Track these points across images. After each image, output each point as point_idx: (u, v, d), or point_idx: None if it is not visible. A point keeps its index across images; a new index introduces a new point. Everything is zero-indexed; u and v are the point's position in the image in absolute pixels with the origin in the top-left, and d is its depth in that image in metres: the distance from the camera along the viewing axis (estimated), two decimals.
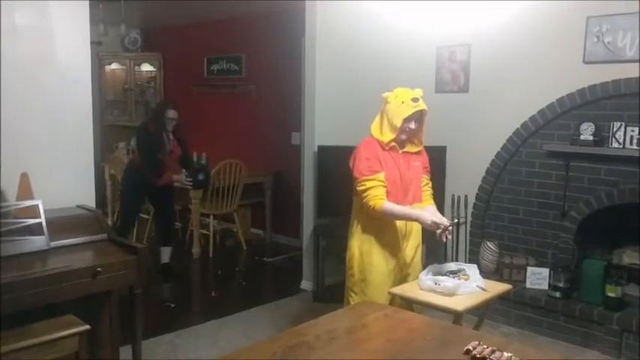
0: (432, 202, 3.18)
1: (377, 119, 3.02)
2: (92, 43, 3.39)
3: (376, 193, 2.88)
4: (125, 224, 5.12)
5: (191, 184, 5.24)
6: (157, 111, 5.14)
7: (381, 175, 2.91)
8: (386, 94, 2.98)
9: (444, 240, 2.95)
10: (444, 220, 2.92)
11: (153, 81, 7.84)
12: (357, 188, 2.95)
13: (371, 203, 2.88)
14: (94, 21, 3.64)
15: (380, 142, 2.96)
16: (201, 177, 5.29)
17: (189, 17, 6.91)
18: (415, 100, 2.91)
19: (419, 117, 2.95)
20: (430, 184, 3.21)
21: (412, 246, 3.11)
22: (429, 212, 2.96)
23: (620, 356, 3.68)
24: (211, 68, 7.15)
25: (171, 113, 4.95)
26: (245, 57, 6.74)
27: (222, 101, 7.08)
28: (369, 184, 2.90)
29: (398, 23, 4.88)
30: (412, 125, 2.94)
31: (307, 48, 4.75)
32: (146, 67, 7.85)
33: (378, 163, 2.93)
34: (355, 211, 3.10)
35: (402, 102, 2.90)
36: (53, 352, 2.43)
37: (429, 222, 2.87)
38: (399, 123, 2.89)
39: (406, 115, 2.88)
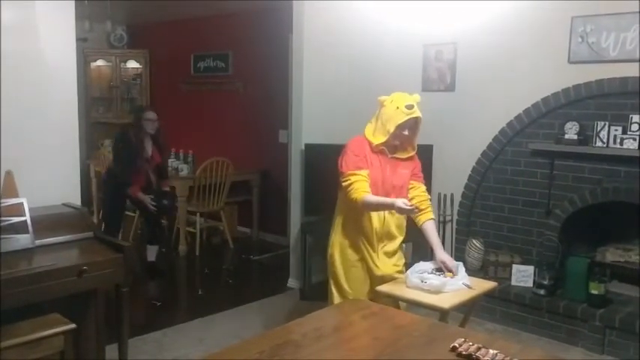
0: (431, 215, 3.12)
1: (372, 121, 3.03)
2: (78, 39, 3.38)
3: (359, 186, 2.89)
4: (109, 232, 5.01)
5: (155, 209, 5.01)
6: (135, 114, 5.08)
7: (365, 172, 2.92)
8: (382, 98, 2.98)
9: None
10: (413, 206, 2.87)
11: (139, 78, 7.79)
12: (342, 182, 2.96)
13: (354, 196, 2.89)
14: (79, 17, 3.62)
15: (370, 143, 2.97)
16: (165, 202, 5.09)
17: (176, 14, 6.86)
18: (409, 107, 2.88)
19: (413, 124, 2.94)
20: (423, 189, 3.14)
21: (390, 246, 3.09)
22: (400, 199, 2.87)
23: (604, 352, 3.73)
24: (198, 66, 7.11)
25: (150, 114, 4.92)
26: (232, 54, 6.72)
27: (209, 99, 7.05)
28: (353, 178, 2.91)
29: (385, 21, 4.88)
30: (405, 132, 2.93)
31: (294, 46, 4.75)
32: (132, 64, 7.80)
33: (364, 161, 2.94)
34: (338, 207, 3.13)
35: (397, 107, 2.89)
36: (38, 351, 2.42)
37: (400, 207, 2.80)
38: (391, 129, 2.89)
39: (399, 122, 2.87)
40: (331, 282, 3.12)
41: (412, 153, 3.08)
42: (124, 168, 4.84)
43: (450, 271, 2.94)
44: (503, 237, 4.48)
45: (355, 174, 2.91)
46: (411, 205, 2.83)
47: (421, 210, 3.07)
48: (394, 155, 3.02)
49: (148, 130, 4.90)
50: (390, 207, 2.92)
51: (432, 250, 3.09)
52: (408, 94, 2.97)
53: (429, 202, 3.16)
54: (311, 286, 4.63)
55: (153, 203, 4.97)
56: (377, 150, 2.97)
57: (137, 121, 4.94)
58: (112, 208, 5.08)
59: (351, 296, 2.97)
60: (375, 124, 2.99)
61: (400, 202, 2.82)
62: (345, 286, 3.05)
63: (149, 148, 4.97)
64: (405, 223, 3.14)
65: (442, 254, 3.00)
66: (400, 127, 2.89)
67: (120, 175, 4.87)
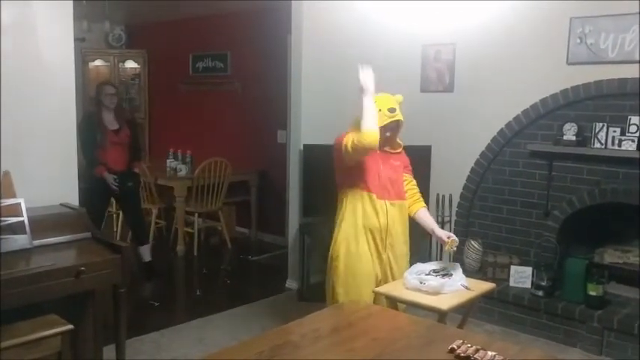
0: (423, 204, 3.26)
1: (356, 120, 3.03)
2: (76, 39, 3.36)
3: (350, 136, 2.90)
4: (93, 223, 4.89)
5: (116, 188, 4.80)
6: (95, 89, 4.96)
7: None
8: None
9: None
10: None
11: (137, 78, 7.79)
12: (345, 145, 2.91)
13: (354, 140, 2.85)
14: (77, 17, 3.60)
15: None
16: (130, 184, 4.92)
17: (175, 14, 6.86)
18: (392, 110, 2.96)
19: (394, 126, 3.03)
20: (414, 183, 3.25)
21: (397, 246, 3.10)
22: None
23: (602, 354, 3.73)
24: (197, 66, 7.11)
25: (109, 88, 4.83)
26: (231, 55, 6.72)
27: (207, 99, 7.04)
28: (352, 135, 2.90)
29: (384, 22, 4.88)
30: (387, 134, 3.01)
31: (293, 46, 4.75)
32: (130, 64, 7.80)
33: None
34: (341, 207, 3.12)
35: (379, 110, 2.93)
36: (36, 352, 2.41)
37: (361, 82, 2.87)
38: None
39: (380, 124, 2.91)
40: (335, 282, 3.10)
41: (399, 148, 3.17)
42: (86, 146, 4.67)
43: (447, 241, 3.02)
44: (502, 238, 4.48)
45: (352, 132, 2.91)
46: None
47: (414, 200, 3.20)
48: (383, 149, 3.07)
49: (106, 103, 4.76)
50: (369, 108, 2.89)
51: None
52: (392, 94, 3.04)
53: (420, 195, 3.26)
54: (309, 287, 4.63)
55: (115, 184, 4.77)
56: None
57: (97, 96, 4.84)
58: (95, 205, 4.67)
59: (357, 296, 2.95)
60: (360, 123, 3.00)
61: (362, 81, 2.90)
62: (352, 287, 3.02)
63: (112, 123, 4.80)
64: (406, 220, 3.16)
65: (440, 231, 3.13)
66: (382, 129, 2.94)
67: (84, 154, 4.67)
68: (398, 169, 3.13)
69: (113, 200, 5.37)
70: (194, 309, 4.43)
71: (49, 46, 3.17)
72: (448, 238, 3.05)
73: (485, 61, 4.44)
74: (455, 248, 3.06)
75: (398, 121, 3.00)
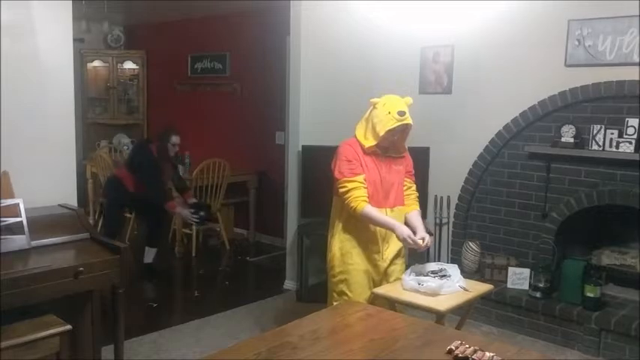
0: (417, 207, 3.19)
1: (362, 122, 3.02)
2: (74, 40, 3.36)
3: (358, 194, 2.89)
4: (109, 236, 4.99)
5: (197, 221, 5.18)
6: (162, 135, 5.11)
7: (362, 177, 2.92)
8: (374, 100, 2.97)
9: (419, 251, 2.99)
10: (418, 242, 2.87)
11: (136, 79, 7.78)
12: (339, 189, 2.96)
13: (353, 205, 2.89)
14: (76, 18, 3.61)
15: (362, 145, 2.97)
16: (202, 213, 5.21)
17: (173, 15, 6.86)
18: (401, 113, 2.87)
19: (403, 129, 2.95)
20: (414, 187, 3.21)
21: (392, 250, 3.10)
22: (406, 229, 2.91)
23: (599, 355, 3.74)
24: (195, 67, 7.11)
25: (175, 139, 5.02)
26: (230, 56, 6.72)
27: (206, 100, 7.04)
28: (350, 185, 2.91)
29: (383, 23, 4.89)
30: (395, 137, 2.95)
31: (292, 47, 4.75)
32: (129, 65, 7.79)
33: (359, 165, 2.94)
34: (335, 211, 3.11)
35: (389, 112, 2.87)
36: (34, 353, 2.41)
37: (403, 237, 2.87)
38: (381, 132, 2.89)
39: (389, 127, 2.87)
40: (332, 286, 3.11)
41: (404, 152, 3.12)
42: (153, 185, 4.89)
43: (422, 236, 2.94)
44: (500, 239, 4.49)
45: (352, 180, 2.91)
46: (415, 243, 2.86)
47: (409, 203, 3.15)
48: (387, 154, 3.03)
49: (171, 154, 5.05)
50: (389, 228, 2.94)
51: (427, 252, 3.09)
52: (400, 96, 2.97)
53: (417, 199, 3.21)
54: (307, 288, 4.63)
55: (195, 216, 5.09)
56: (369, 151, 2.97)
57: (165, 140, 5.01)
58: (114, 214, 5.15)
59: (353, 299, 2.96)
60: (366, 126, 2.98)
61: (405, 232, 2.86)
62: (347, 289, 3.03)
63: (172, 168, 5.20)
64: (403, 222, 3.13)
65: (420, 233, 2.97)
66: (390, 132, 2.89)
67: (150, 192, 4.89)
68: (400, 173, 3.08)
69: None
70: (192, 310, 4.43)
71: (48, 47, 3.16)
72: (422, 240, 2.92)
73: (484, 63, 4.45)
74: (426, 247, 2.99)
75: (407, 124, 2.92)
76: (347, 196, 2.91)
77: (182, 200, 5.36)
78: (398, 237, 2.91)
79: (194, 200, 5.40)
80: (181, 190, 5.42)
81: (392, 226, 2.91)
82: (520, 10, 4.23)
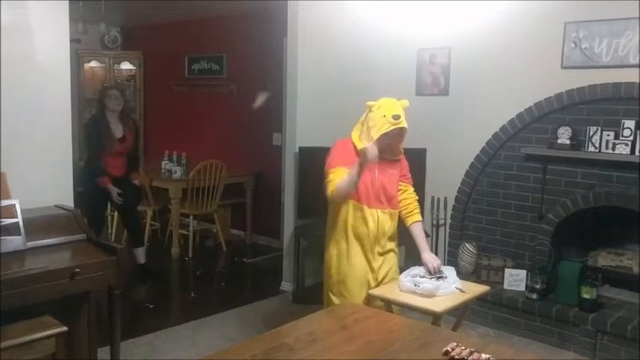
0: (419, 217, 3.14)
1: (358, 125, 3.02)
2: (71, 40, 3.37)
3: (333, 177, 2.90)
4: (92, 227, 4.81)
5: (120, 202, 4.77)
6: (99, 93, 4.91)
7: (343, 168, 2.89)
8: (370, 103, 2.95)
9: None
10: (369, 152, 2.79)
11: (132, 80, 7.78)
12: (325, 181, 2.96)
13: (328, 191, 2.91)
14: (73, 19, 3.60)
15: (355, 147, 2.96)
16: (129, 201, 4.90)
17: (171, 16, 6.85)
18: (396, 117, 2.85)
19: (398, 133, 2.92)
20: (411, 191, 3.16)
21: (387, 249, 3.09)
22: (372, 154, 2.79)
23: (595, 356, 3.74)
24: (192, 68, 7.11)
25: (114, 92, 4.77)
26: (227, 57, 6.72)
27: (203, 101, 7.04)
28: (332, 175, 2.91)
29: (380, 25, 4.90)
30: (389, 141, 2.92)
31: (289, 48, 4.76)
32: (126, 66, 7.79)
33: (347, 162, 2.91)
34: (332, 213, 3.11)
35: (384, 116, 2.85)
36: (30, 354, 2.40)
37: (368, 150, 2.74)
38: (375, 136, 2.87)
39: (384, 131, 2.85)
40: (328, 287, 3.10)
41: (400, 156, 3.10)
42: (94, 152, 4.62)
43: (432, 272, 2.95)
44: (496, 241, 4.50)
45: (334, 171, 2.91)
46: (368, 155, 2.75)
47: (410, 212, 3.12)
48: (382, 157, 2.99)
49: (111, 106, 4.68)
50: (360, 170, 2.82)
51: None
52: (397, 99, 2.96)
53: (417, 204, 3.18)
54: (304, 289, 4.63)
55: (119, 199, 4.73)
56: None
57: (101, 99, 4.76)
58: (93, 202, 4.73)
59: (349, 301, 2.95)
60: (361, 129, 2.97)
61: (371, 153, 2.74)
62: (344, 291, 3.02)
63: (118, 130, 4.73)
64: (396, 224, 3.13)
65: (426, 255, 3.04)
66: (384, 136, 2.87)
67: (91, 160, 4.65)
68: (394, 176, 3.06)
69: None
70: (188, 311, 4.42)
71: (45, 48, 3.16)
72: (431, 265, 2.99)
73: (480, 64, 4.46)
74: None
75: (401, 128, 2.89)
76: (327, 184, 2.92)
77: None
78: (363, 159, 2.76)
79: (135, 182, 5.01)
80: (132, 168, 4.94)
81: (358, 165, 2.80)
82: (517, 12, 4.25)
